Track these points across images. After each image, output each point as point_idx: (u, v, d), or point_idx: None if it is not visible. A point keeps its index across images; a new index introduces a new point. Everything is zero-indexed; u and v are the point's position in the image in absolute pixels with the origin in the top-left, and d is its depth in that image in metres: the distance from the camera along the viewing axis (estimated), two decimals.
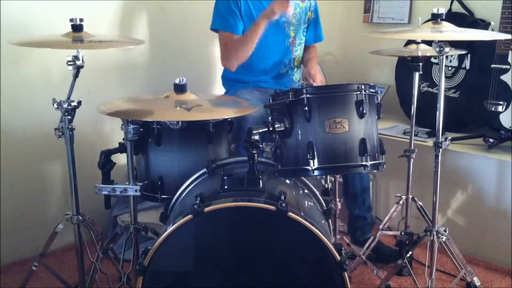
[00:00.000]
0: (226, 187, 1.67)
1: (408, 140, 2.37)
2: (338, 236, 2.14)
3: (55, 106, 1.86)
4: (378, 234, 2.37)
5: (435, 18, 1.95)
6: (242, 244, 1.60)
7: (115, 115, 1.78)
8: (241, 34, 2.51)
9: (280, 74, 2.64)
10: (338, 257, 1.53)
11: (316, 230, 1.52)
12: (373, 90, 1.75)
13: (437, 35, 1.88)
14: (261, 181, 1.66)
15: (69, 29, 1.92)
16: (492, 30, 2.69)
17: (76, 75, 1.85)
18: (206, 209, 1.53)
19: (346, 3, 3.47)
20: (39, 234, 2.32)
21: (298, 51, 2.66)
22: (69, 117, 1.87)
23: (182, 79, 1.91)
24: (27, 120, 2.57)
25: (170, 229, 1.55)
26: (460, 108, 2.74)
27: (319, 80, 2.49)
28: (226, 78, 2.70)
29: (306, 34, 2.69)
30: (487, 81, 2.55)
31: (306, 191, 1.89)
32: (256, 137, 1.67)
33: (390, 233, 2.51)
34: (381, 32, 2.21)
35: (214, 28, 2.57)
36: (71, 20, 1.91)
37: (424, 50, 2.25)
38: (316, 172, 1.69)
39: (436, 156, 1.96)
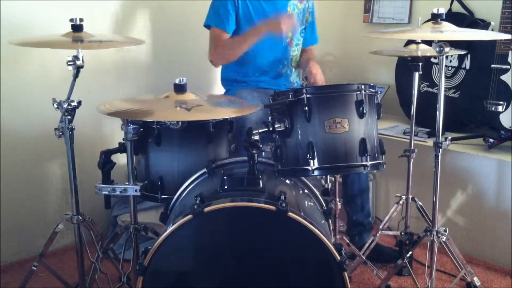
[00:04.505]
0: (226, 187, 1.67)
1: (408, 140, 2.37)
2: (338, 236, 2.14)
3: (55, 106, 1.86)
4: (378, 234, 2.38)
5: (435, 18, 1.95)
6: (242, 244, 1.60)
7: (115, 115, 1.78)
8: (231, 34, 2.50)
9: (278, 74, 2.63)
10: (338, 257, 1.53)
11: (316, 230, 1.52)
12: (373, 90, 1.75)
13: (437, 35, 1.88)
14: (261, 181, 1.66)
15: (69, 29, 1.92)
16: (492, 30, 2.69)
17: (76, 75, 1.85)
18: (206, 209, 1.53)
19: (346, 3, 3.46)
20: (39, 234, 2.32)
21: (295, 52, 2.65)
22: (69, 117, 1.87)
23: (182, 79, 1.91)
24: (27, 120, 2.56)
25: (170, 229, 1.55)
26: (460, 108, 2.73)
27: (319, 79, 2.48)
28: (225, 78, 2.70)
29: (303, 36, 2.68)
30: (487, 81, 2.54)
31: (306, 191, 1.89)
32: (256, 137, 1.67)
33: (390, 233, 2.51)
34: (381, 32, 2.21)
35: (207, 25, 2.55)
36: (71, 20, 1.91)
37: (424, 50, 2.25)
38: (316, 172, 1.69)
39: (436, 156, 1.96)
